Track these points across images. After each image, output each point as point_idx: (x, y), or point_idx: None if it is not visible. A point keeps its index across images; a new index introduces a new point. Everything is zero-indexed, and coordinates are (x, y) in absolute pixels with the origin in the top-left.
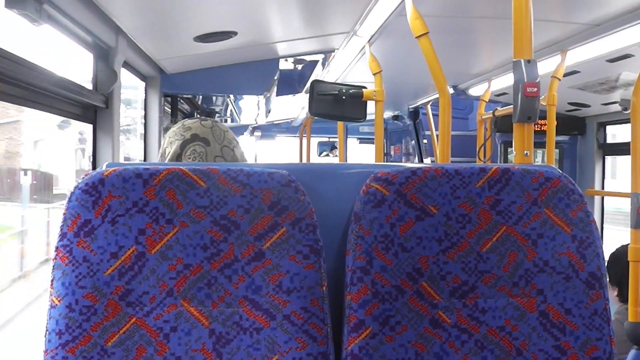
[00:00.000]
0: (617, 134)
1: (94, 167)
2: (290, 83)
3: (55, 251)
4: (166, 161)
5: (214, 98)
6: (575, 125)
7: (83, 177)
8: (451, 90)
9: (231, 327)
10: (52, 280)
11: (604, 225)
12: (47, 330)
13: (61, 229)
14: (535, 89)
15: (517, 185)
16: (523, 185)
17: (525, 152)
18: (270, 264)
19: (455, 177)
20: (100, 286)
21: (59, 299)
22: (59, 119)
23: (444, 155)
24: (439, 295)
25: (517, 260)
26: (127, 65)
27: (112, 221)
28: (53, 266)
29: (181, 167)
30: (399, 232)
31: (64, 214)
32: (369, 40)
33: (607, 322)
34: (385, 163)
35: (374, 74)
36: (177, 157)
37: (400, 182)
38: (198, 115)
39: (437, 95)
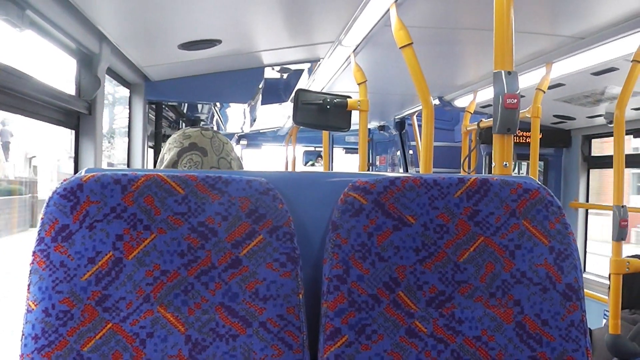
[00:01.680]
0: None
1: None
2: (275, 92)
3: (32, 255)
4: (162, 167)
5: (199, 106)
6: (560, 138)
7: (62, 182)
8: (437, 102)
9: (207, 333)
10: (28, 285)
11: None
12: (22, 334)
13: (39, 234)
14: (515, 101)
15: (496, 197)
16: (501, 197)
17: (505, 163)
18: (247, 271)
19: (434, 187)
20: (77, 291)
21: (35, 303)
22: None
23: (426, 166)
24: (415, 304)
25: (495, 271)
26: (111, 72)
27: (90, 226)
28: (30, 271)
29: (159, 174)
30: (377, 242)
31: (42, 218)
32: (354, 50)
33: (583, 334)
34: (366, 172)
35: (359, 84)
36: (174, 164)
37: (379, 191)
38: (183, 123)
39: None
